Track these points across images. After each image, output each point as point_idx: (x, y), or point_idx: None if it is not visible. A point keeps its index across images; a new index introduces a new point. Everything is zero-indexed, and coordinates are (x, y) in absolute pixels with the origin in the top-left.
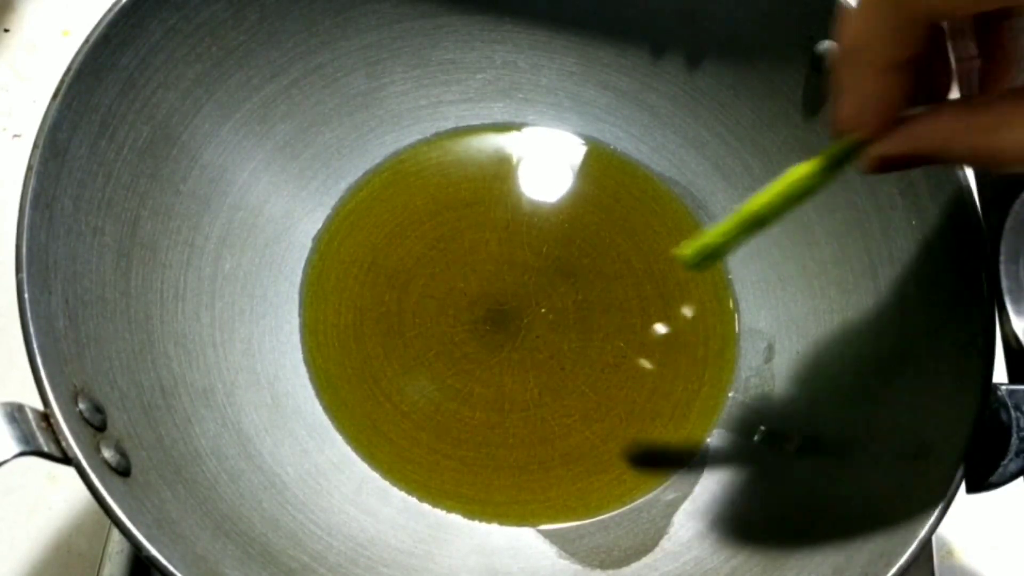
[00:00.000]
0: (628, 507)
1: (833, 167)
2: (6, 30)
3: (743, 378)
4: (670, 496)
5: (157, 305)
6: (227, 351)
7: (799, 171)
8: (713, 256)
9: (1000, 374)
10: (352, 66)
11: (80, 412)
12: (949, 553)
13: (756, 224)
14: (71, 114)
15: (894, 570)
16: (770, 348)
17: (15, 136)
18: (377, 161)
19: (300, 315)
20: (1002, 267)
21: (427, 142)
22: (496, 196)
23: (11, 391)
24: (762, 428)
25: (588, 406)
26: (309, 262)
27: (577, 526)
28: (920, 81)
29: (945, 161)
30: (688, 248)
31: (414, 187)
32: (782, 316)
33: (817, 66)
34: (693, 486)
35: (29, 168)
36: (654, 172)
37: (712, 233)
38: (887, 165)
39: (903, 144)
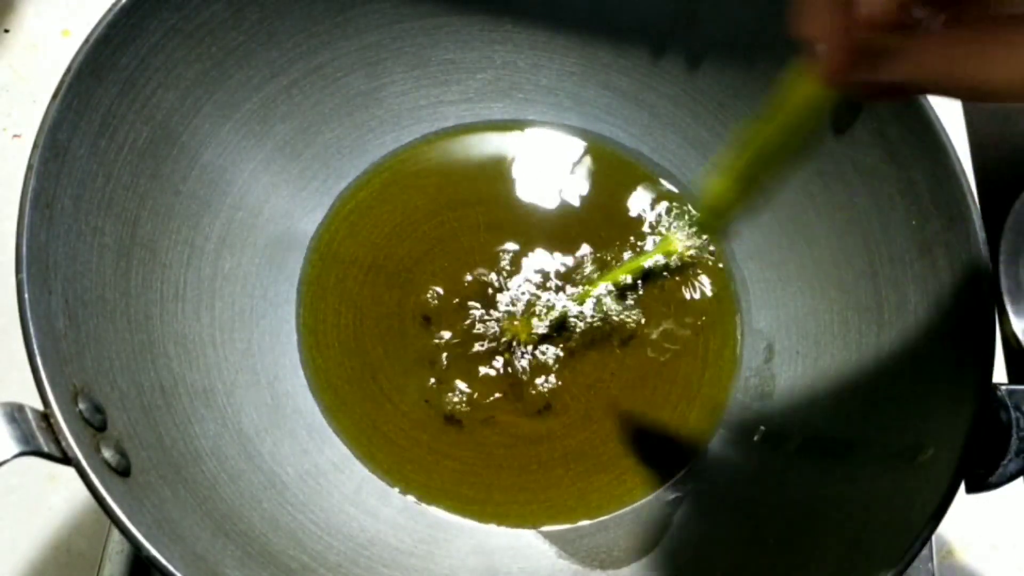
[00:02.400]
0: (628, 507)
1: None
2: (6, 30)
3: (743, 378)
4: (670, 496)
5: (157, 305)
6: (227, 351)
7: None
8: (726, 213)
9: (1000, 374)
10: (352, 66)
11: (80, 412)
12: (949, 553)
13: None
14: (71, 114)
15: (894, 570)
16: (770, 348)
17: (15, 136)
18: (377, 161)
19: (300, 315)
20: (1002, 267)
21: (427, 142)
22: (496, 196)
23: (11, 391)
24: (762, 428)
25: (588, 406)
26: (308, 262)
27: (577, 526)
28: None
29: (935, 92)
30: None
31: (414, 187)
32: (782, 316)
33: None
34: (693, 486)
35: (29, 168)
36: (654, 172)
37: (717, 186)
38: (873, 92)
39: (895, 72)
